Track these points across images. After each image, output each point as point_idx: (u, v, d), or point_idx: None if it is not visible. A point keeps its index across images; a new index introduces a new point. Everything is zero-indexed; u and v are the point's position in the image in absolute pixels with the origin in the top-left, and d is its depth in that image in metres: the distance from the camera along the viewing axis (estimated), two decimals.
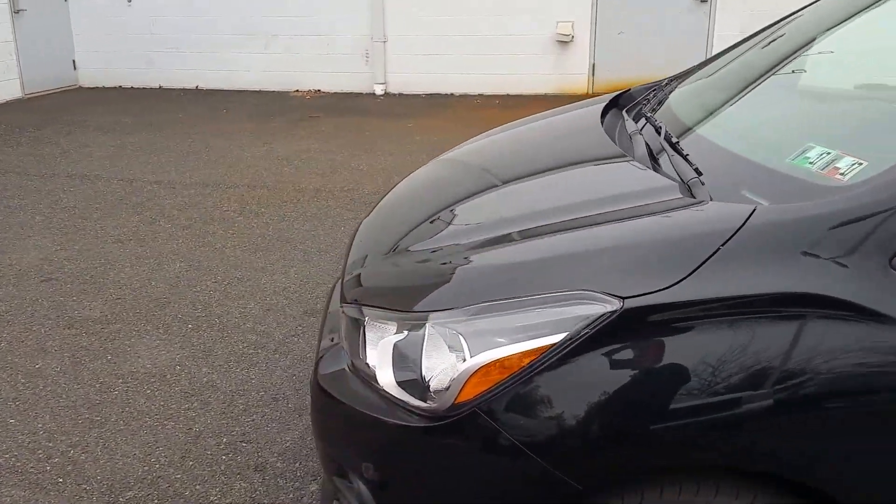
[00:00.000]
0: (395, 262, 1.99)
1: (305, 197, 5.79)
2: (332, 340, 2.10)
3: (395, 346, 1.75)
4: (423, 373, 1.69)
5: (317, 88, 9.93)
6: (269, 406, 3.15)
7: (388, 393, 1.74)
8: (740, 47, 2.78)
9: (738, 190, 1.75)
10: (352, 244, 2.37)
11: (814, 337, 1.44)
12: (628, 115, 2.58)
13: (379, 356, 1.78)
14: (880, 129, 1.90)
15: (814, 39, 2.68)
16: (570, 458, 1.54)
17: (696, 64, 2.88)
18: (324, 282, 4.28)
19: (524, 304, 1.59)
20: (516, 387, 1.56)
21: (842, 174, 1.62)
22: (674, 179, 1.85)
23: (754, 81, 2.52)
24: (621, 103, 2.86)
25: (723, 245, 1.51)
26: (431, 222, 2.16)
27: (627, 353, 1.51)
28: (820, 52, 2.63)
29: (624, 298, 1.51)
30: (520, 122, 3.07)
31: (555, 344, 1.54)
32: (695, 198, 1.75)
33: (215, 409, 3.14)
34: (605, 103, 2.83)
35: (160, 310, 4.00)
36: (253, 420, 3.06)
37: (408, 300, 1.79)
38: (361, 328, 1.87)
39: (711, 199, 1.71)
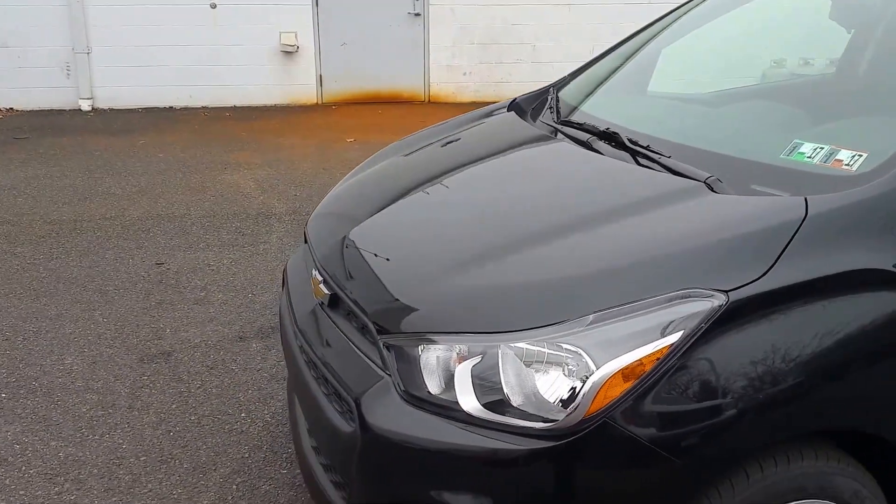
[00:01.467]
0: (457, 282, 1.86)
1: (64, 230, 5.05)
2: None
3: (473, 369, 1.69)
4: (506, 391, 1.66)
5: (9, 107, 8.64)
6: (161, 471, 2.74)
7: (481, 419, 1.68)
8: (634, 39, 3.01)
9: (747, 185, 1.92)
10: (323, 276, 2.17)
11: (885, 305, 1.66)
12: (560, 125, 2.58)
13: (458, 382, 1.70)
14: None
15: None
16: (704, 452, 1.60)
17: (576, 69, 3.04)
18: (145, 322, 3.79)
19: (636, 308, 1.62)
20: (643, 391, 1.59)
21: (847, 165, 1.86)
22: (692, 178, 1.95)
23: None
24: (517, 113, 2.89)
25: (796, 233, 1.67)
26: (466, 235, 2.06)
27: (742, 342, 1.61)
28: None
29: (728, 292, 1.61)
30: (427, 135, 2.95)
31: (673, 344, 1.58)
32: (718, 194, 1.89)
33: (96, 487, 2.65)
34: (504, 113, 2.88)
35: None
36: (150, 491, 2.64)
37: (491, 320, 1.72)
38: (421, 357, 1.76)
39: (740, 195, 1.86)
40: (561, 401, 1.61)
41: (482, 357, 1.69)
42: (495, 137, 2.70)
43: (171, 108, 8.96)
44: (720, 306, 1.59)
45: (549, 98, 2.82)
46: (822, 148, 1.93)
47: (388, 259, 2.11)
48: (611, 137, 2.29)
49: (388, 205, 2.39)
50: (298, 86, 9.21)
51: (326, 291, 2.15)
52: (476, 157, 2.56)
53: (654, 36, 2.98)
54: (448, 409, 1.71)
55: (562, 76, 3.05)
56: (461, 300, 1.82)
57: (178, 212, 5.41)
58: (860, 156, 1.86)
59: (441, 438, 1.71)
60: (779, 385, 1.61)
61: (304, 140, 7.50)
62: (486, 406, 1.67)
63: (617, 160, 2.20)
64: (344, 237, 2.27)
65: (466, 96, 9.39)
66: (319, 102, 9.25)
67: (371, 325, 1.90)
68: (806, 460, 1.69)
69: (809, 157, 1.94)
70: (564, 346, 1.62)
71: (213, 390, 3.24)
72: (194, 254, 4.67)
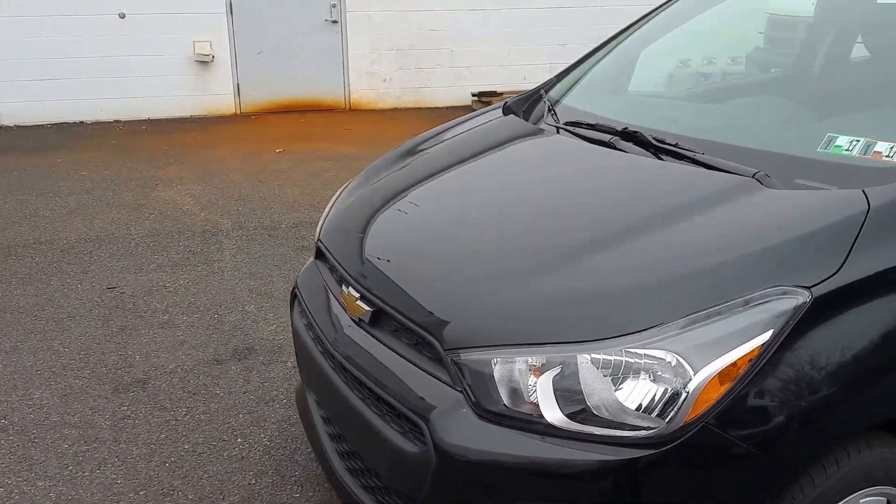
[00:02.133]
0: (526, 292, 1.80)
1: None
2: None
3: (554, 380, 1.65)
4: (591, 401, 1.63)
5: None
6: None
7: (566, 430, 1.64)
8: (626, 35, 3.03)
9: (790, 179, 1.96)
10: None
11: None
12: (571, 125, 2.53)
13: (541, 394, 1.66)
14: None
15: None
16: (794, 449, 1.62)
17: (565, 68, 3.04)
18: (110, 350, 3.57)
19: (726, 309, 1.61)
20: (739, 393, 1.58)
21: (888, 156, 1.92)
22: (738, 174, 1.97)
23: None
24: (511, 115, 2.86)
25: (863, 226, 1.69)
26: (530, 242, 2.01)
27: (825, 336, 1.63)
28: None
29: (810, 287, 1.62)
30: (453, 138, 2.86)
31: (765, 343, 1.59)
32: (770, 189, 1.91)
33: None
34: (494, 118, 2.85)
35: None
36: None
37: (572, 329, 1.68)
38: (495, 371, 1.71)
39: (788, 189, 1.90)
40: (655, 408, 1.58)
41: (562, 367, 1.65)
42: (505, 140, 2.66)
43: (81, 122, 8.51)
44: (805, 302, 1.60)
45: (546, 101, 2.81)
46: (858, 140, 1.99)
47: (439, 271, 2.02)
48: (632, 136, 2.28)
49: (418, 212, 2.32)
50: (215, 96, 8.91)
51: (367, 308, 2.05)
52: (492, 161, 2.53)
53: (634, 34, 3.03)
54: (527, 423, 1.67)
55: (549, 77, 3.05)
56: (534, 310, 1.76)
57: (119, 232, 5.12)
58: None
59: (525, 453, 1.66)
60: (862, 376, 1.64)
61: (230, 153, 7.25)
62: (570, 416, 1.64)
63: (646, 158, 2.18)
64: (379, 250, 2.17)
65: (388, 102, 9.32)
66: (238, 112, 8.97)
67: (435, 342, 1.82)
68: (874, 448, 1.73)
69: (847, 150, 1.98)
70: (655, 352, 1.59)
71: (202, 416, 3.08)
72: (146, 275, 4.43)
